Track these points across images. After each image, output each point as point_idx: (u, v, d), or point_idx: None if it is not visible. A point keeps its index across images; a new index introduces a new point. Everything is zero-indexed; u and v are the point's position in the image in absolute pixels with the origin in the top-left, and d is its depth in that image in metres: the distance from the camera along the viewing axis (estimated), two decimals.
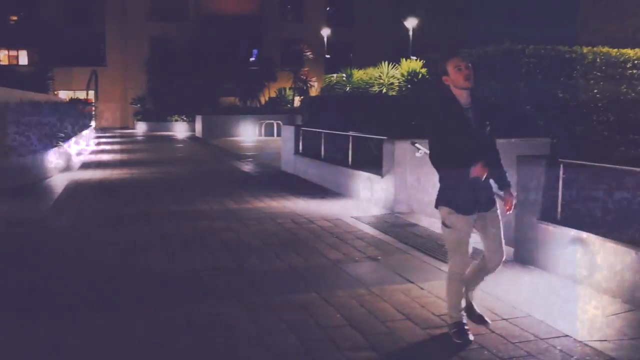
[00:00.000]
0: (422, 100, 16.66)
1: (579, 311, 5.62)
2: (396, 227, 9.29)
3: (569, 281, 6.39)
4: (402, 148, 10.47)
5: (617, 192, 7.14)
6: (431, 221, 9.65)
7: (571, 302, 5.85)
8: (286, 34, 51.20)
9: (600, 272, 6.12)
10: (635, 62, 14.07)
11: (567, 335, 5.00)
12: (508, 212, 4.91)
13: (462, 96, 4.70)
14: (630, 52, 14.21)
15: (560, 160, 6.77)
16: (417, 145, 10.28)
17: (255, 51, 48.52)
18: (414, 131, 10.76)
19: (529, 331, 5.09)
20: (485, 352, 4.69)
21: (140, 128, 44.88)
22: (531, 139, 11.58)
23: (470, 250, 4.90)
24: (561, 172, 6.73)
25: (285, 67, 45.78)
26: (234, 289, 6.40)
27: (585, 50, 13.82)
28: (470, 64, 4.71)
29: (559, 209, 6.77)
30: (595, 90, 13.44)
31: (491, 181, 4.89)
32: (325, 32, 48.02)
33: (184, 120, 43.22)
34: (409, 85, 23.63)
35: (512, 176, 8.03)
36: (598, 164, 6.79)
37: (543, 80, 12.82)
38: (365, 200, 11.47)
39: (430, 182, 10.36)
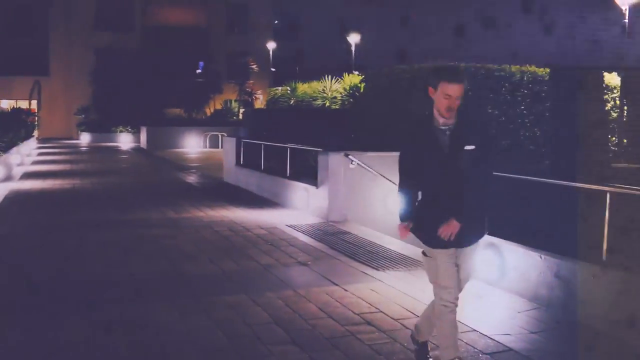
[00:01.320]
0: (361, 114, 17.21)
1: (488, 310, 6.10)
2: (329, 235, 9.69)
3: (483, 284, 6.87)
4: (336, 160, 10.90)
5: (531, 201, 7.70)
6: (363, 229, 10.11)
7: (483, 302, 6.33)
8: (232, 47, 51.45)
9: (510, 274, 6.63)
10: None
11: (474, 330, 5.46)
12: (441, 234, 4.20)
13: (443, 115, 4.15)
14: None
15: None
16: (350, 157, 10.73)
17: (201, 63, 48.60)
18: (355, 144, 11.24)
19: None
20: (397, 345, 5.12)
21: (84, 139, 44.47)
22: None
23: (453, 280, 4.33)
24: None
25: (231, 80, 46.04)
26: (167, 291, 6.70)
27: (513, 68, 14.53)
28: (460, 96, 4.11)
29: None
30: (523, 107, 14.15)
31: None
32: (271, 45, 48.47)
33: (128, 132, 43.01)
34: (351, 100, 24.14)
35: None
36: (508, 175, 7.33)
37: (473, 96, 13.42)
38: (301, 210, 11.86)
39: (363, 193, 10.85)
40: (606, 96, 14.21)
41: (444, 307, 4.33)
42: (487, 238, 6.94)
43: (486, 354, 4.96)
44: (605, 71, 14.53)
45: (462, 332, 5.37)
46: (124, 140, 42.43)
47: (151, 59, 45.88)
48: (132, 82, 43.96)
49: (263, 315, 5.84)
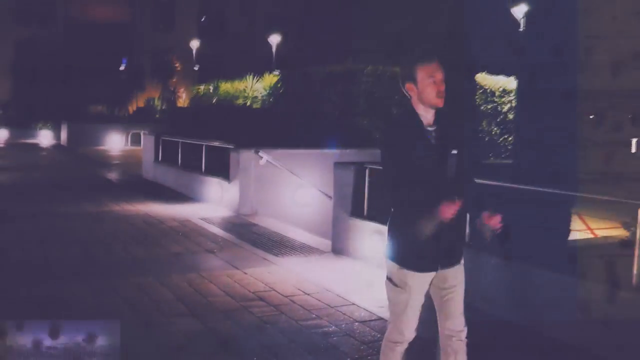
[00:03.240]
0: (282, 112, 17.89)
1: (371, 287, 6.89)
2: (238, 226, 10.37)
3: (371, 266, 7.68)
4: (247, 156, 11.58)
5: None
6: (270, 221, 10.83)
7: (367, 281, 7.13)
8: (157, 44, 51.28)
9: None
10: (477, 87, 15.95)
11: (353, 304, 6.25)
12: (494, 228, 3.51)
13: (427, 114, 3.56)
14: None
15: (366, 165, 8.09)
16: (260, 153, 11.42)
17: (124, 60, 48.36)
18: (272, 141, 11.97)
19: (324, 302, 6.30)
20: (283, 317, 5.85)
21: (2, 135, 43.62)
22: (365, 150, 12.98)
23: (417, 315, 3.71)
24: (367, 175, 8.03)
25: (154, 77, 46.00)
26: (80, 273, 7.25)
27: None
28: (443, 79, 3.53)
29: (365, 206, 8.08)
30: None
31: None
32: (196, 43, 48.60)
33: (49, 128, 42.46)
34: (271, 99, 24.79)
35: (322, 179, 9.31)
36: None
37: (380, 97, 14.30)
38: (215, 204, 12.48)
39: (273, 187, 11.57)
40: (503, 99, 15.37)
41: (391, 344, 3.79)
42: (376, 226, 7.77)
43: (358, 321, 5.74)
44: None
45: (342, 305, 6.18)
46: (45, 137, 41.84)
47: (74, 55, 45.40)
48: (53, 78, 43.43)
49: (167, 293, 6.48)
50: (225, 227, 10.31)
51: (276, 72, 28.02)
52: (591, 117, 16.96)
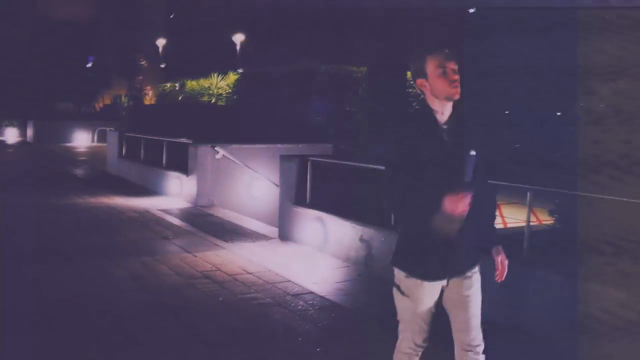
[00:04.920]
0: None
1: (309, 268, 7.64)
2: (194, 216, 11.05)
3: (312, 250, 8.42)
4: (204, 151, 12.25)
5: (356, 183, 9.28)
6: (226, 212, 11.53)
7: (306, 262, 7.88)
8: (123, 42, 51.49)
9: (331, 241, 8.20)
10: (410, 82, 16.74)
11: (289, 281, 6.98)
12: (499, 280, 3.48)
13: (444, 110, 3.29)
14: (408, 73, 16.87)
15: (308, 157, 8.83)
16: (216, 148, 12.10)
17: (90, 57, 48.55)
18: (235, 138, 12.70)
19: (263, 279, 7.03)
20: (225, 291, 6.56)
21: None
22: (318, 145, 13.75)
23: (428, 324, 3.47)
24: (309, 167, 8.77)
25: (120, 75, 46.31)
26: (42, 256, 7.88)
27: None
28: (456, 67, 3.26)
29: (308, 195, 8.82)
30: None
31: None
32: (162, 41, 48.96)
33: (15, 126, 42.55)
34: (235, 96, 25.43)
35: (276, 173, 10.01)
36: (337, 161, 8.94)
37: (333, 95, 15.06)
38: (175, 196, 13.13)
39: (229, 180, 12.26)
40: None
41: (402, 355, 3.56)
42: (317, 213, 8.52)
43: (291, 295, 6.47)
44: None
45: (279, 282, 6.91)
46: (11, 134, 41.90)
47: (40, 52, 45.50)
48: (19, 76, 43.51)
49: (122, 273, 7.16)
50: (182, 217, 10.98)
51: (240, 71, 28.72)
52: None
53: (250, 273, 7.29)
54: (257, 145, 13.09)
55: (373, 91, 12.93)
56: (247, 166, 12.26)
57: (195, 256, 8.06)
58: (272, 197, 11.92)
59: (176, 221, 10.64)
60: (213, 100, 27.34)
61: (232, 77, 26.03)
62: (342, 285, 6.96)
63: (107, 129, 33.99)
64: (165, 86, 34.43)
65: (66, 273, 7.14)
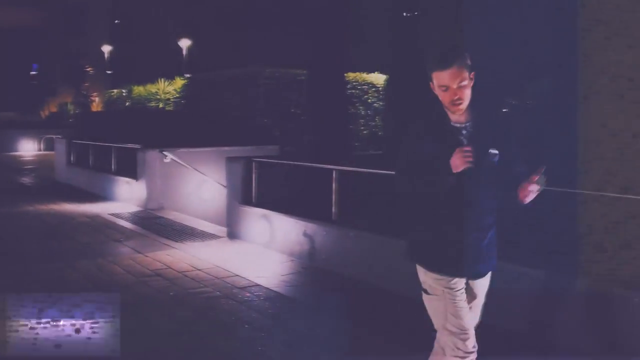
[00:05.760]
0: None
1: (255, 263, 8.03)
2: (144, 220, 11.34)
3: (259, 246, 8.82)
4: (152, 156, 12.54)
5: (304, 181, 9.72)
6: (176, 214, 11.85)
7: (253, 258, 8.28)
8: (68, 48, 51.04)
9: (277, 237, 8.62)
10: (354, 83, 17.31)
11: (237, 275, 7.38)
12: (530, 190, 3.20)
13: (454, 112, 3.34)
14: (350, 75, 17.43)
15: (253, 159, 9.24)
16: (164, 152, 12.40)
17: (35, 65, 48.01)
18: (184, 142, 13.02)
19: (212, 275, 7.41)
20: (175, 287, 6.93)
21: None
22: (264, 146, 14.15)
23: (466, 323, 3.40)
24: (254, 168, 9.18)
25: (66, 82, 45.94)
26: None
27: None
28: (465, 82, 3.25)
29: (254, 195, 9.22)
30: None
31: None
32: (108, 47, 48.66)
33: None
34: (183, 101, 25.64)
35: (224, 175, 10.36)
36: (280, 161, 9.37)
37: (279, 98, 15.47)
38: (125, 201, 13.37)
39: (178, 183, 12.57)
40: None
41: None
42: (262, 211, 8.92)
43: (238, 287, 6.88)
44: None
45: (227, 277, 7.30)
46: None
47: None
48: None
49: (76, 274, 7.47)
50: (133, 221, 11.27)
51: (187, 76, 28.91)
52: None
53: (199, 270, 7.66)
54: (205, 149, 13.42)
55: (313, 93, 13.36)
56: (196, 169, 12.58)
57: (147, 256, 8.39)
58: (221, 198, 12.26)
59: (127, 224, 10.92)
60: (161, 106, 27.48)
61: (179, 82, 26.23)
62: (287, 277, 7.38)
63: (55, 137, 33.87)
64: (113, 92, 34.39)
65: (19, 277, 7.39)
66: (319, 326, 5.73)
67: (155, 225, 10.80)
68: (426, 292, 3.44)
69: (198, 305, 6.32)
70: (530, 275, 5.37)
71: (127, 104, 30.77)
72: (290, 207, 8.81)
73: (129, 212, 12.18)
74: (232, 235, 9.53)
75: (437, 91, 3.30)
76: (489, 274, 3.53)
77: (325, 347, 5.19)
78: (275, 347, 5.26)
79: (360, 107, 17.97)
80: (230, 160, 9.66)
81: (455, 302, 3.34)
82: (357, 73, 17.65)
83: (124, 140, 14.55)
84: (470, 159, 3.13)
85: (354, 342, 5.30)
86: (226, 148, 13.37)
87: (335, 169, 7.83)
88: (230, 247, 9.04)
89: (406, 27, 12.48)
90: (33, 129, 37.28)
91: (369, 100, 17.90)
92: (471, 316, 3.46)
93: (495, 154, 3.27)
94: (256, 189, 9.24)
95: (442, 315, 3.36)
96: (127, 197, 13.39)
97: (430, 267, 3.39)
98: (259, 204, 9.13)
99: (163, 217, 11.57)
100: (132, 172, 13.48)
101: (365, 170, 7.80)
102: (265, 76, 15.82)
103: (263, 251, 8.66)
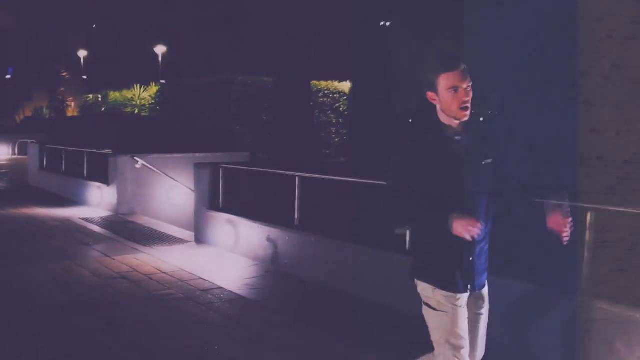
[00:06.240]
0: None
1: (220, 267, 8.26)
2: (115, 224, 11.52)
3: (224, 251, 9.05)
4: (123, 161, 12.72)
5: (269, 187, 9.96)
6: (146, 219, 12.04)
7: (218, 262, 8.50)
8: (44, 53, 50.92)
9: (242, 241, 8.85)
10: (326, 92, 17.61)
11: (201, 278, 7.60)
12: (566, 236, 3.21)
13: (453, 123, 3.25)
14: (322, 83, 17.73)
15: (220, 165, 9.47)
16: (136, 158, 12.58)
17: (10, 69, 47.80)
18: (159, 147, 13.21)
19: (176, 277, 7.63)
20: (140, 289, 7.14)
21: None
22: (236, 153, 14.38)
23: (468, 339, 3.40)
24: (221, 174, 9.41)
25: (42, 86, 45.80)
26: None
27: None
28: (471, 84, 3.20)
29: (221, 200, 9.45)
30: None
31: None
32: (84, 52, 48.61)
33: None
34: (157, 107, 25.80)
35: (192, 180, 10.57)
36: (247, 168, 9.61)
37: (250, 105, 15.72)
38: (96, 206, 13.53)
39: (148, 189, 12.76)
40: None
41: None
42: (229, 217, 9.15)
43: (201, 290, 7.10)
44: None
45: (191, 280, 7.52)
46: None
47: None
48: None
49: (43, 276, 7.64)
50: (103, 225, 11.44)
51: (162, 82, 29.09)
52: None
53: (164, 273, 7.87)
54: (176, 155, 13.62)
55: (279, 101, 13.61)
56: (167, 175, 12.77)
57: (114, 259, 8.58)
58: (191, 203, 12.46)
59: (97, 229, 11.09)
60: (136, 111, 27.64)
61: (154, 88, 26.40)
62: (249, 281, 7.62)
63: (29, 141, 33.80)
64: (88, 97, 34.45)
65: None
66: (277, 327, 5.98)
67: (125, 229, 10.98)
68: (431, 307, 3.37)
69: (162, 307, 6.53)
70: (518, 287, 5.33)
71: (103, 109, 30.86)
72: (256, 212, 9.04)
73: (100, 217, 12.34)
74: (199, 239, 9.75)
75: (444, 96, 3.18)
76: (487, 290, 3.51)
77: (281, 346, 5.45)
78: (233, 346, 5.49)
79: (332, 115, 18.32)
80: (198, 166, 9.89)
81: (463, 318, 3.33)
82: (329, 82, 17.98)
83: (98, 146, 14.69)
84: (475, 236, 3.07)
85: (309, 341, 5.56)
86: (198, 154, 13.58)
87: (297, 176, 8.08)
88: (196, 251, 9.26)
89: (368, 36, 12.75)
90: (7, 133, 37.22)
91: (341, 109, 18.24)
92: (481, 333, 3.50)
93: (489, 162, 3.27)
94: (223, 195, 9.46)
95: (448, 330, 3.32)
96: (98, 201, 13.55)
97: (442, 285, 3.31)
98: (225, 210, 9.35)
99: (133, 222, 11.75)
100: (103, 177, 13.63)
101: (326, 177, 8.07)
102: (238, 83, 16.06)
103: (228, 255, 8.88)
